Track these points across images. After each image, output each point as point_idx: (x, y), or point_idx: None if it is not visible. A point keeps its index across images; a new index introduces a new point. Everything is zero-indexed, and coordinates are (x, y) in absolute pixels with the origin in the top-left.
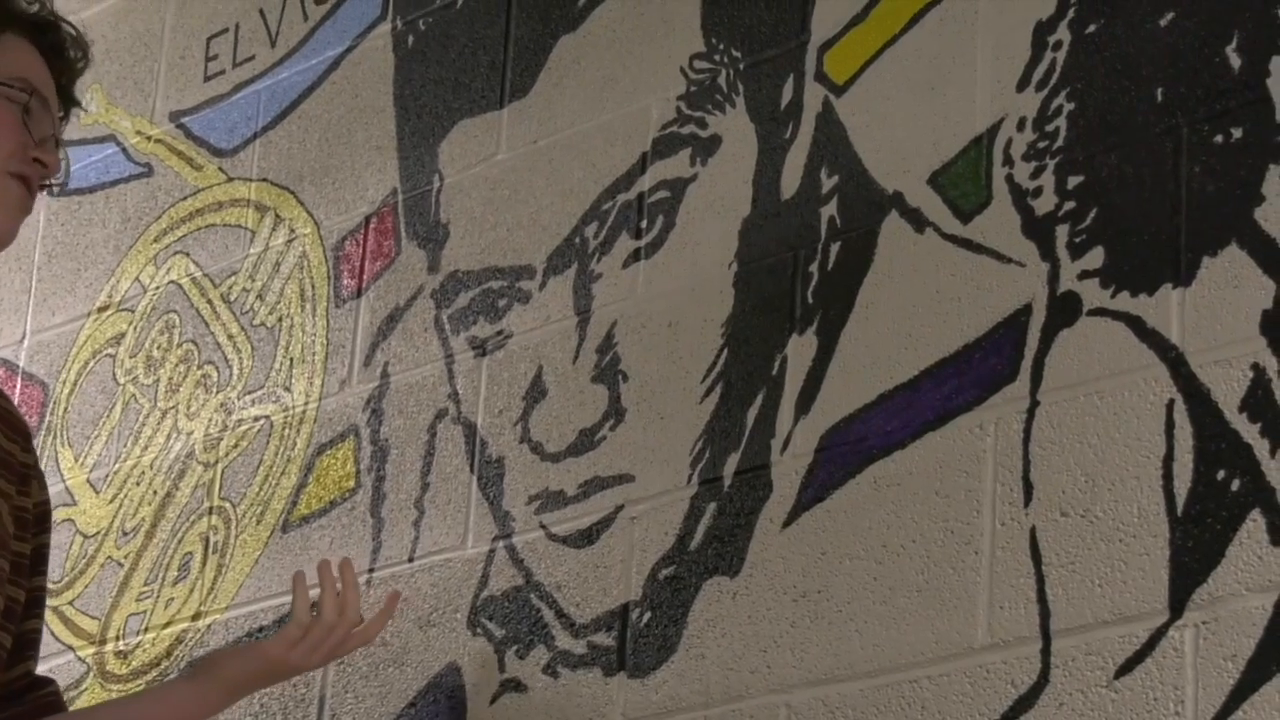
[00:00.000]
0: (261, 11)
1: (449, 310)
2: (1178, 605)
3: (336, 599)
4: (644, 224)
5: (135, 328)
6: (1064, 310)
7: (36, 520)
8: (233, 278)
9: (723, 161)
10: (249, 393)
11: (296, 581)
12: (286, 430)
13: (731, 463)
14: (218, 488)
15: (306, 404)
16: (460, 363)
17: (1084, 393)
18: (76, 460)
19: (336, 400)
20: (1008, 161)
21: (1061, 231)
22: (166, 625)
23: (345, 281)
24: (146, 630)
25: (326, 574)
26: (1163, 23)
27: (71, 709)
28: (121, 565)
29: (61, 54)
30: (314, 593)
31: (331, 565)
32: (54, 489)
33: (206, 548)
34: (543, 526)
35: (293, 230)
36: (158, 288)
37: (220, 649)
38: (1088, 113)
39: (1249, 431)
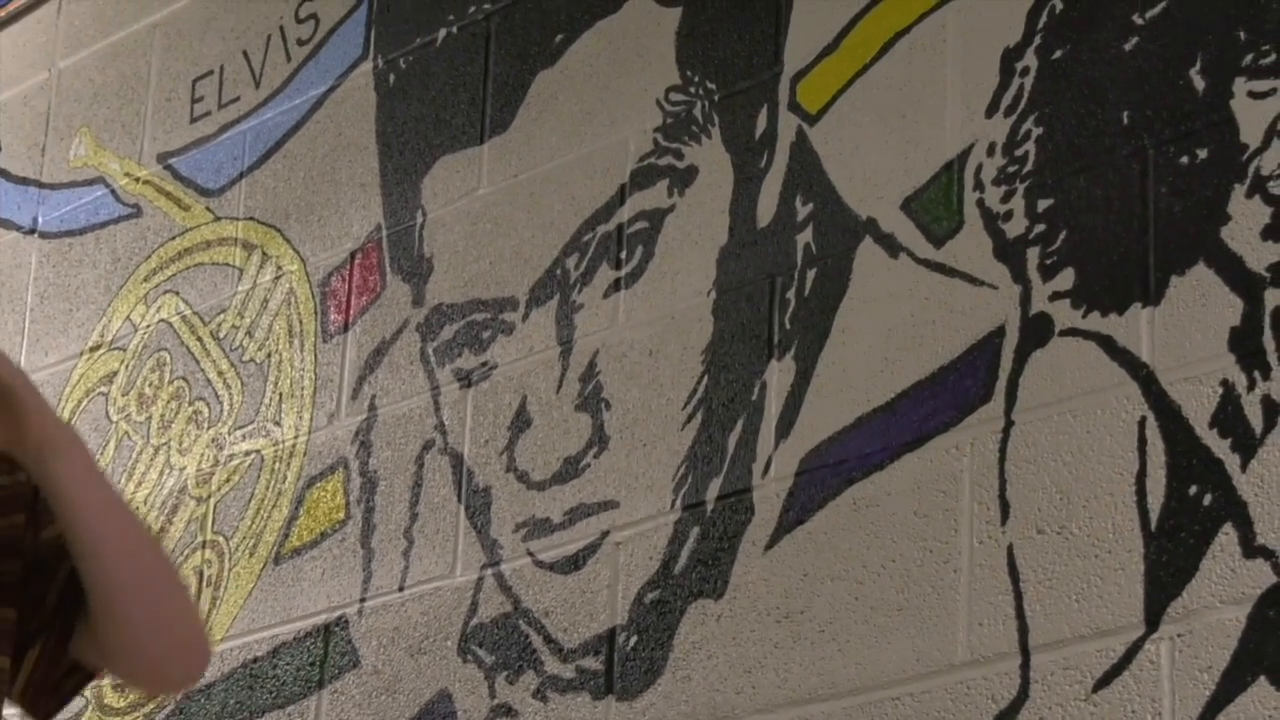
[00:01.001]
0: (245, 53)
1: (434, 343)
2: (1153, 619)
3: None
4: (623, 254)
5: (127, 366)
6: (1036, 331)
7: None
8: (222, 315)
9: (700, 191)
10: (240, 428)
11: None
12: (277, 464)
13: (714, 487)
14: (210, 522)
15: (296, 438)
16: (446, 394)
17: (1057, 412)
18: None
19: (325, 433)
20: (978, 186)
21: (1032, 254)
22: None
23: (332, 316)
24: None
25: None
26: (1127, 47)
27: None
28: None
29: None
30: None
31: None
32: None
33: (201, 581)
34: (530, 554)
35: (280, 267)
36: (148, 326)
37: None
38: (1056, 137)
39: (1220, 447)
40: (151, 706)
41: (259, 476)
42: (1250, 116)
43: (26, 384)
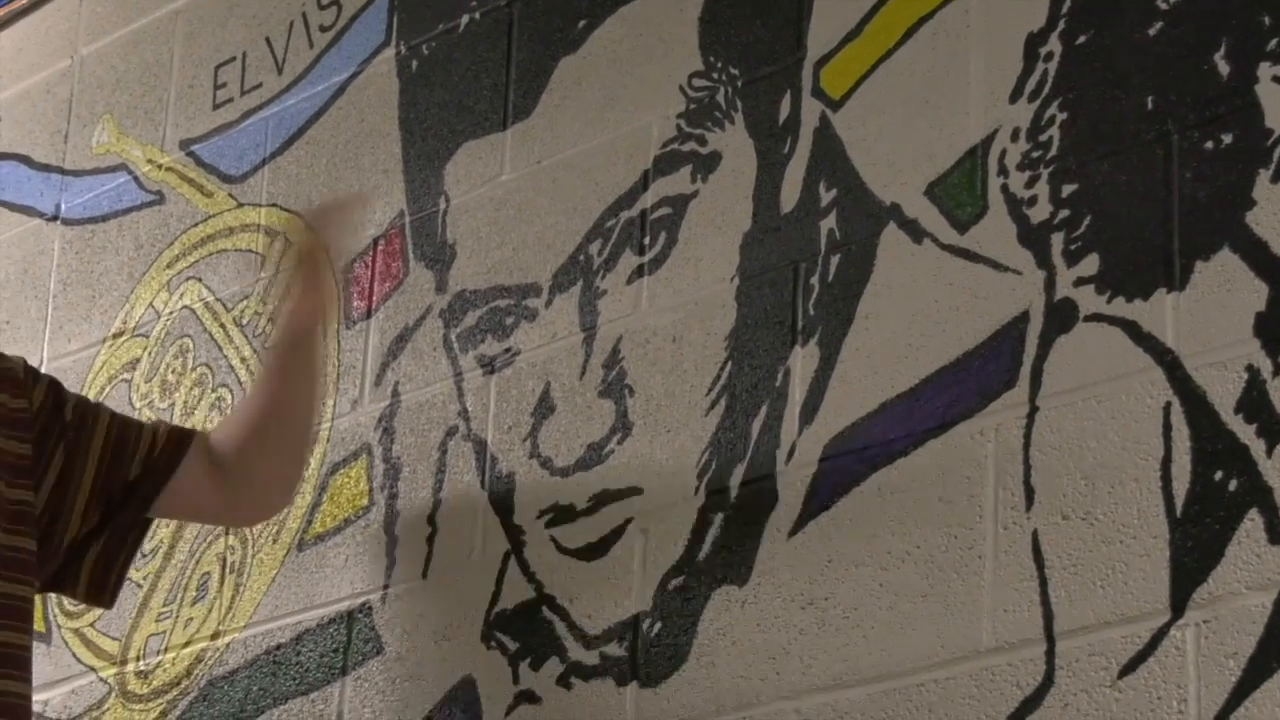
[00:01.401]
0: (268, 39)
1: (457, 329)
2: (1179, 605)
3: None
4: (647, 240)
5: (150, 353)
6: (1061, 317)
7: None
8: (245, 302)
9: (723, 177)
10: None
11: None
12: None
13: (738, 474)
14: None
15: (319, 424)
16: (469, 380)
17: (1082, 397)
18: None
19: (349, 420)
20: (1002, 171)
21: (1057, 239)
22: (186, 645)
23: (355, 303)
24: (166, 650)
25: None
26: (1151, 32)
27: None
28: (140, 586)
29: None
30: None
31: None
32: None
33: (224, 567)
34: (553, 540)
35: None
36: (171, 313)
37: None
38: (1080, 122)
39: (1245, 432)
40: (175, 693)
41: None
42: (1275, 102)
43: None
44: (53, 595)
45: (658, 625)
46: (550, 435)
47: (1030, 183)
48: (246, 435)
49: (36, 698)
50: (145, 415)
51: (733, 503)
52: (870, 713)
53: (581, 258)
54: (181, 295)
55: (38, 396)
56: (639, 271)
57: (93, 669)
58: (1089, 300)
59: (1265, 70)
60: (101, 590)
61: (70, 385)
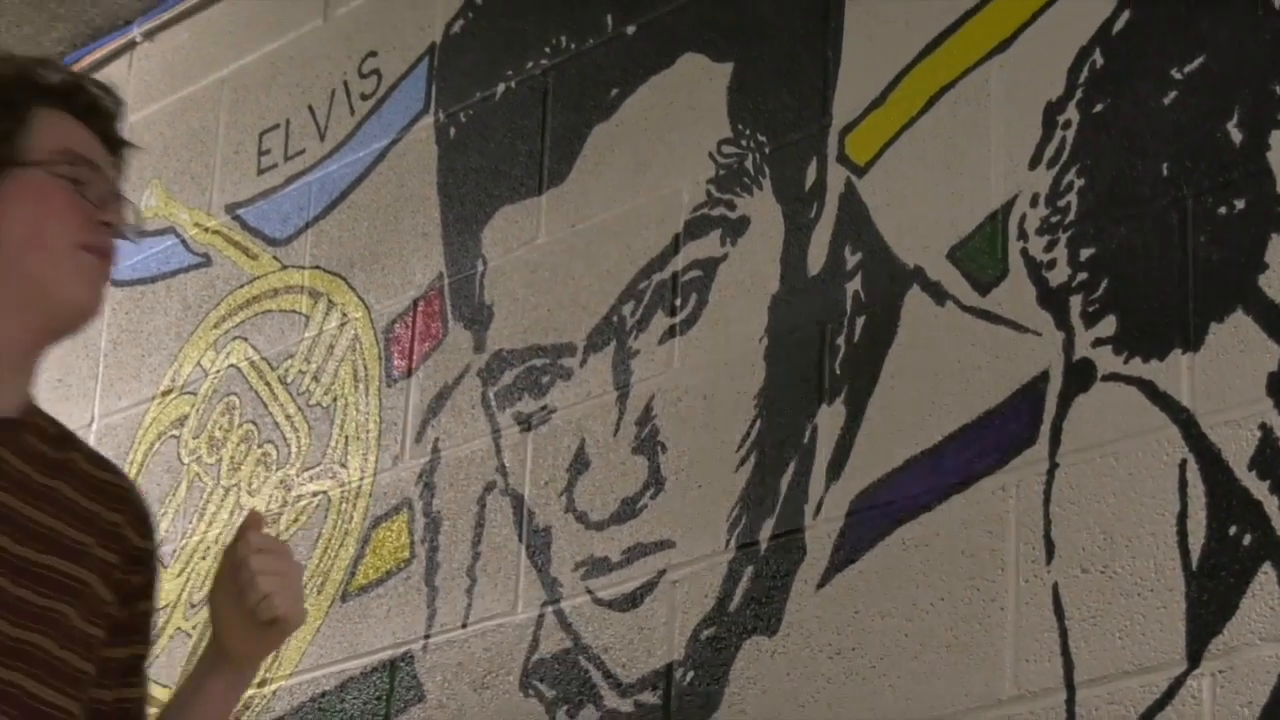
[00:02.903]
0: (310, 107)
1: (495, 387)
2: (1195, 655)
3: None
4: (678, 302)
5: (197, 410)
6: (1079, 376)
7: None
8: (289, 360)
9: (752, 241)
10: (307, 469)
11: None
12: (344, 505)
13: (767, 527)
14: None
15: (362, 479)
16: (507, 437)
17: (1100, 454)
18: None
19: (390, 475)
20: (1022, 235)
21: (1075, 301)
22: None
23: (396, 362)
24: None
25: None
26: (1166, 100)
27: None
28: (190, 635)
29: (96, 110)
30: None
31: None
32: None
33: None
34: (589, 591)
35: (345, 315)
36: (218, 371)
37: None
38: (1097, 187)
39: (1258, 489)
40: None
41: (326, 517)
42: None
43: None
44: None
45: (690, 674)
46: (585, 490)
47: (1049, 246)
48: None
49: None
50: (193, 470)
51: (762, 556)
52: None
53: (615, 318)
54: (228, 354)
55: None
56: (671, 332)
57: None
58: (1107, 360)
59: (1277, 138)
60: None
61: (120, 441)
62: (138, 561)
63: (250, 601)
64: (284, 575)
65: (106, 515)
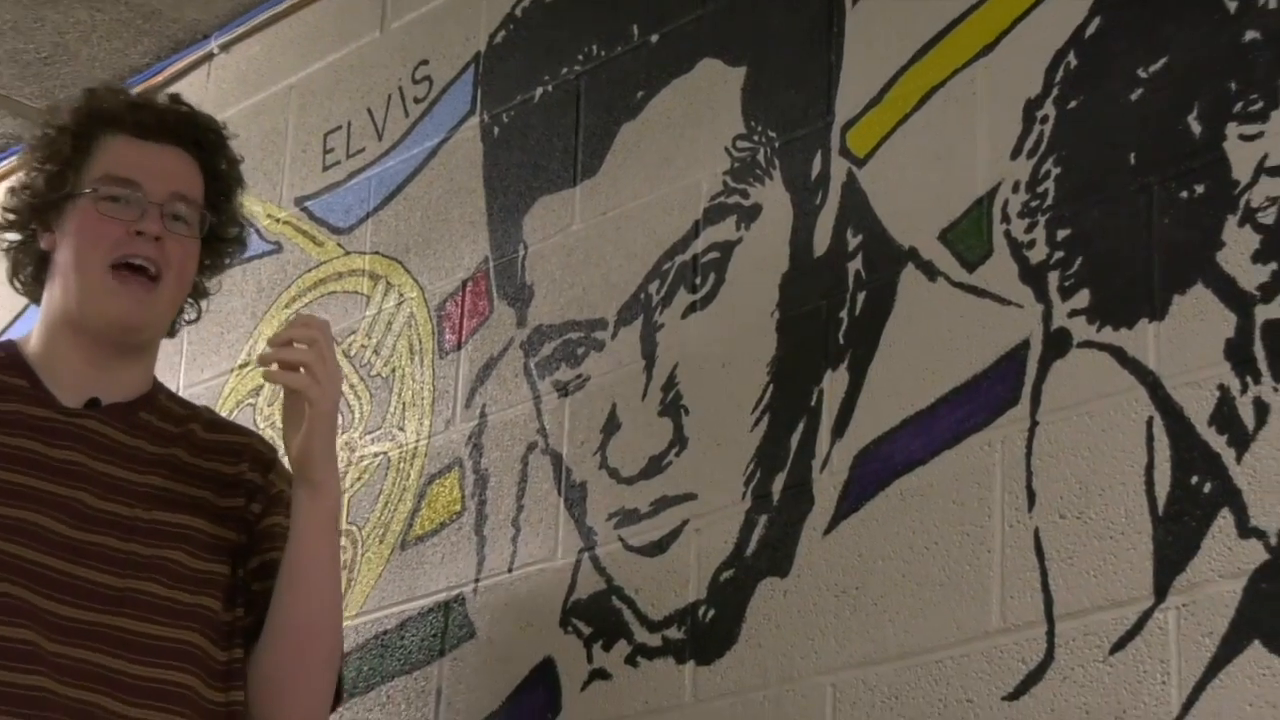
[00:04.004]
0: (369, 110)
1: (535, 358)
2: (1161, 591)
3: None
4: (698, 281)
5: None
6: (1057, 344)
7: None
8: (352, 336)
9: (763, 226)
10: (369, 433)
11: (269, 375)
12: (402, 464)
13: (779, 481)
14: (345, 514)
15: (418, 441)
16: (546, 402)
17: (1076, 413)
18: None
19: (443, 437)
20: (1005, 219)
21: (1053, 277)
22: None
23: (447, 336)
24: None
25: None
26: (1133, 97)
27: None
28: None
29: (147, 125)
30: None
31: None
32: None
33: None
34: (620, 539)
35: (401, 295)
36: None
37: (298, 454)
38: (1072, 175)
39: (1217, 442)
40: None
41: (386, 475)
42: (1241, 156)
43: (333, 416)
44: None
45: (711, 612)
46: (617, 449)
47: (1029, 228)
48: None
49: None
50: (267, 434)
51: (775, 506)
52: (895, 685)
53: (642, 296)
54: None
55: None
56: (692, 307)
57: None
58: (1081, 329)
59: (1233, 129)
60: None
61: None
62: (259, 492)
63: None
64: (314, 364)
65: (225, 469)
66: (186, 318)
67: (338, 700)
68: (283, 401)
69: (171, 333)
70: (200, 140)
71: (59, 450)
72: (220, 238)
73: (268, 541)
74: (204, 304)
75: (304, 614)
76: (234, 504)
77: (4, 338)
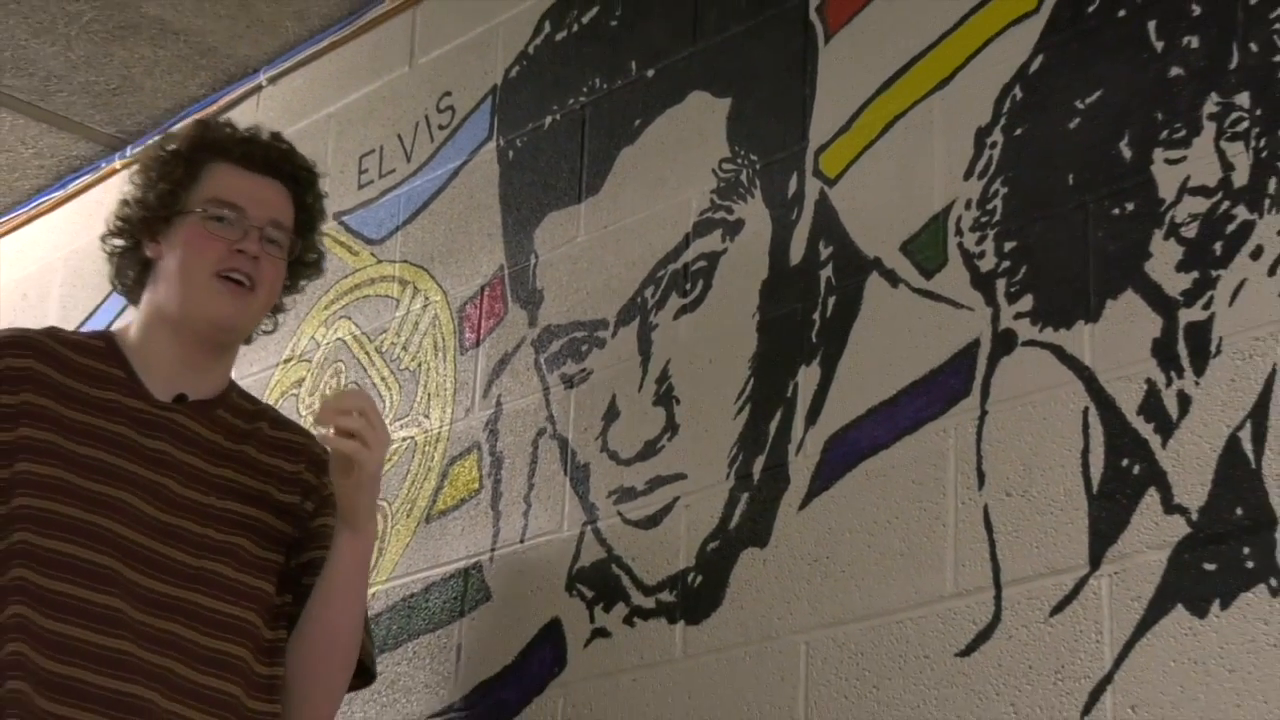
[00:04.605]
0: (399, 136)
1: (545, 354)
2: (1095, 560)
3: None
4: (688, 286)
5: (312, 373)
6: (1004, 342)
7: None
8: (383, 334)
9: (746, 238)
10: (398, 419)
11: (324, 438)
12: (427, 447)
13: (759, 462)
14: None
15: (441, 427)
16: (554, 393)
17: (1020, 404)
18: None
19: (463, 423)
20: (959, 232)
21: (1000, 284)
22: None
23: (467, 335)
24: None
25: (329, 416)
26: (1072, 125)
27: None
28: None
29: (254, 157)
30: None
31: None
32: None
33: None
34: (619, 513)
35: (427, 298)
36: (328, 343)
37: (342, 502)
38: (1017, 194)
39: (1145, 429)
40: None
41: (413, 456)
42: (1166, 178)
43: (378, 476)
44: None
45: (699, 578)
46: (616, 434)
47: (980, 241)
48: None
49: None
50: (308, 422)
51: (755, 485)
52: (861, 643)
53: (639, 299)
54: (335, 330)
55: (309, 505)
56: (683, 310)
57: None
58: (1025, 330)
59: (1159, 154)
60: None
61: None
62: (312, 493)
63: (335, 456)
64: (364, 431)
65: (286, 466)
66: (264, 328)
67: (367, 680)
68: (333, 457)
69: (249, 340)
70: (296, 176)
71: (150, 440)
72: (302, 262)
73: (318, 540)
74: (279, 318)
75: (332, 627)
76: (291, 500)
77: (85, 327)
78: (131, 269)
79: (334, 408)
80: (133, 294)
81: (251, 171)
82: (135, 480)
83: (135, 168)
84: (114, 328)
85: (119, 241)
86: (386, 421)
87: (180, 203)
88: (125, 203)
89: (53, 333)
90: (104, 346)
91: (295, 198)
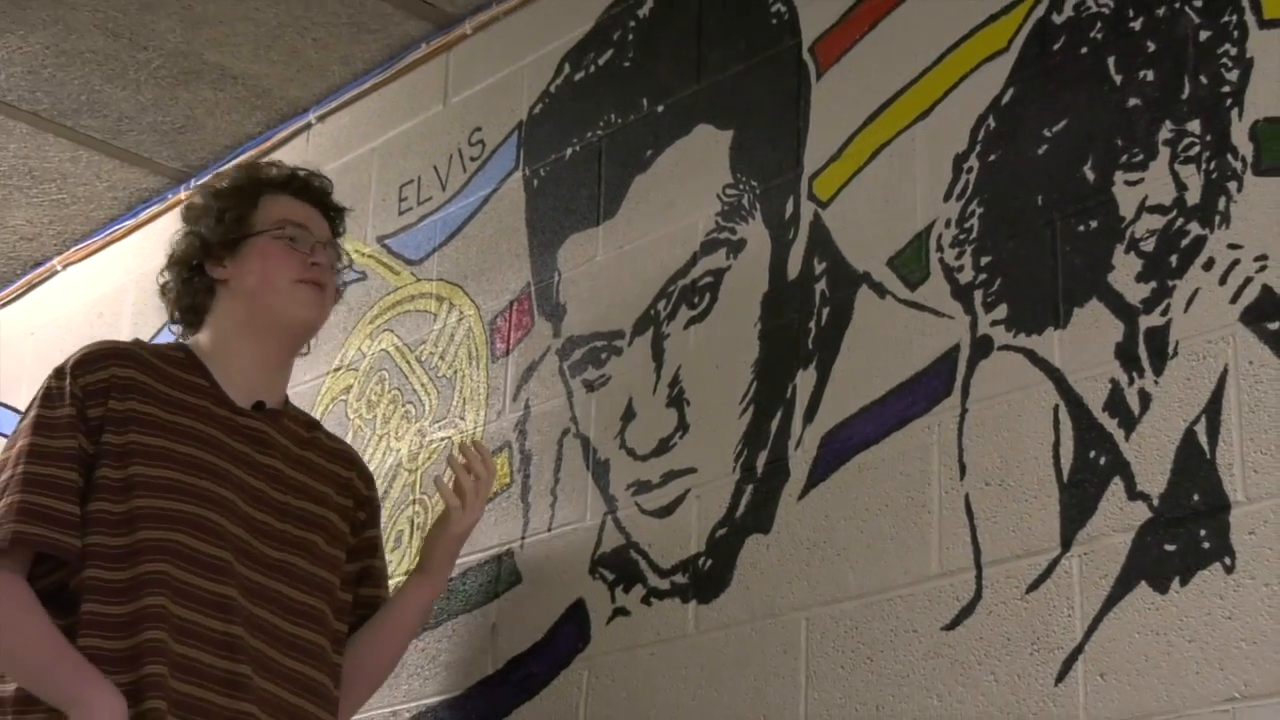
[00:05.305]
0: (435, 167)
1: (568, 362)
2: (1067, 542)
3: (465, 470)
4: (696, 300)
5: (359, 381)
6: (982, 348)
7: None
8: (423, 345)
9: (748, 256)
10: (436, 422)
11: (437, 483)
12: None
13: (762, 458)
14: (418, 487)
15: (475, 428)
16: (577, 396)
17: (997, 402)
18: None
19: (495, 424)
20: (940, 248)
21: (978, 294)
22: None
23: (498, 345)
24: None
25: (454, 461)
26: (1040, 152)
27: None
28: None
29: (308, 189)
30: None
31: (455, 456)
32: None
33: (412, 527)
34: (636, 504)
35: (462, 312)
36: (373, 354)
37: (426, 547)
38: (992, 214)
39: (1110, 424)
40: None
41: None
42: (1126, 198)
43: (465, 537)
44: None
45: (709, 562)
46: (633, 433)
47: (959, 256)
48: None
49: None
50: (356, 424)
51: (759, 477)
52: (855, 619)
53: (652, 312)
54: (380, 341)
55: (360, 513)
56: (692, 320)
57: None
58: (1001, 335)
59: (1119, 176)
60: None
61: (305, 404)
62: (364, 504)
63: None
64: (469, 495)
65: (342, 473)
66: (312, 339)
67: None
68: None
69: (305, 349)
70: (332, 208)
71: (236, 443)
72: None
73: (369, 552)
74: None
75: (381, 656)
76: (346, 503)
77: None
78: (192, 296)
79: (471, 454)
80: (192, 320)
81: (303, 200)
82: (229, 477)
83: (191, 206)
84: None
85: (183, 271)
86: (426, 424)
87: (247, 227)
88: (189, 235)
89: (140, 344)
90: (184, 357)
91: (329, 222)
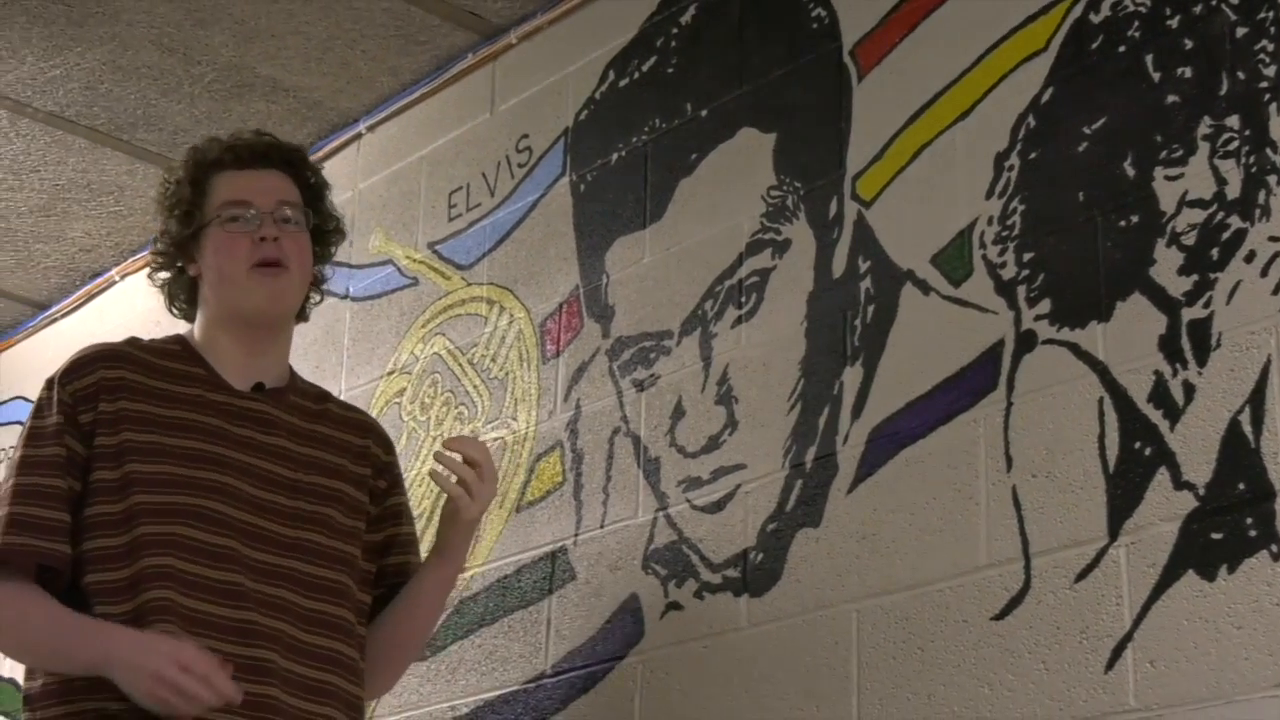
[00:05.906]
0: (484, 174)
1: (618, 362)
2: (1114, 532)
3: (465, 466)
4: (743, 299)
5: (413, 384)
6: (1026, 342)
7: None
8: (474, 348)
9: (793, 255)
10: (489, 422)
11: (436, 477)
12: (515, 446)
13: (811, 453)
14: None
15: (528, 428)
16: (627, 396)
17: (1042, 395)
18: None
19: (547, 424)
20: (982, 245)
21: (1021, 290)
22: None
23: (548, 346)
24: None
25: (448, 460)
26: (1080, 149)
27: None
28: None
29: (251, 155)
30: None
31: (448, 452)
32: None
33: None
34: (687, 500)
35: (512, 315)
36: (426, 357)
37: (440, 533)
38: (1034, 211)
39: (1154, 415)
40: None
41: (504, 454)
42: (1166, 193)
43: (476, 523)
44: None
45: (760, 556)
46: (683, 431)
47: (1001, 252)
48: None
49: None
50: (410, 425)
51: (808, 472)
52: (905, 610)
53: (700, 312)
54: (432, 345)
55: (381, 482)
56: (739, 320)
57: None
58: (1045, 330)
59: (1159, 172)
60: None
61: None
62: (384, 470)
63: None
64: (472, 484)
65: (356, 440)
66: (313, 301)
67: None
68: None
69: (304, 315)
70: (288, 159)
71: (237, 427)
72: (324, 229)
73: (393, 519)
74: (321, 292)
75: (406, 635)
76: (364, 472)
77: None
78: (182, 292)
79: (455, 448)
80: (188, 314)
81: (247, 169)
82: (230, 463)
83: (156, 200)
84: (181, 332)
85: (163, 274)
86: (479, 425)
87: (197, 219)
88: (156, 239)
89: (133, 342)
90: (180, 349)
91: (295, 178)
